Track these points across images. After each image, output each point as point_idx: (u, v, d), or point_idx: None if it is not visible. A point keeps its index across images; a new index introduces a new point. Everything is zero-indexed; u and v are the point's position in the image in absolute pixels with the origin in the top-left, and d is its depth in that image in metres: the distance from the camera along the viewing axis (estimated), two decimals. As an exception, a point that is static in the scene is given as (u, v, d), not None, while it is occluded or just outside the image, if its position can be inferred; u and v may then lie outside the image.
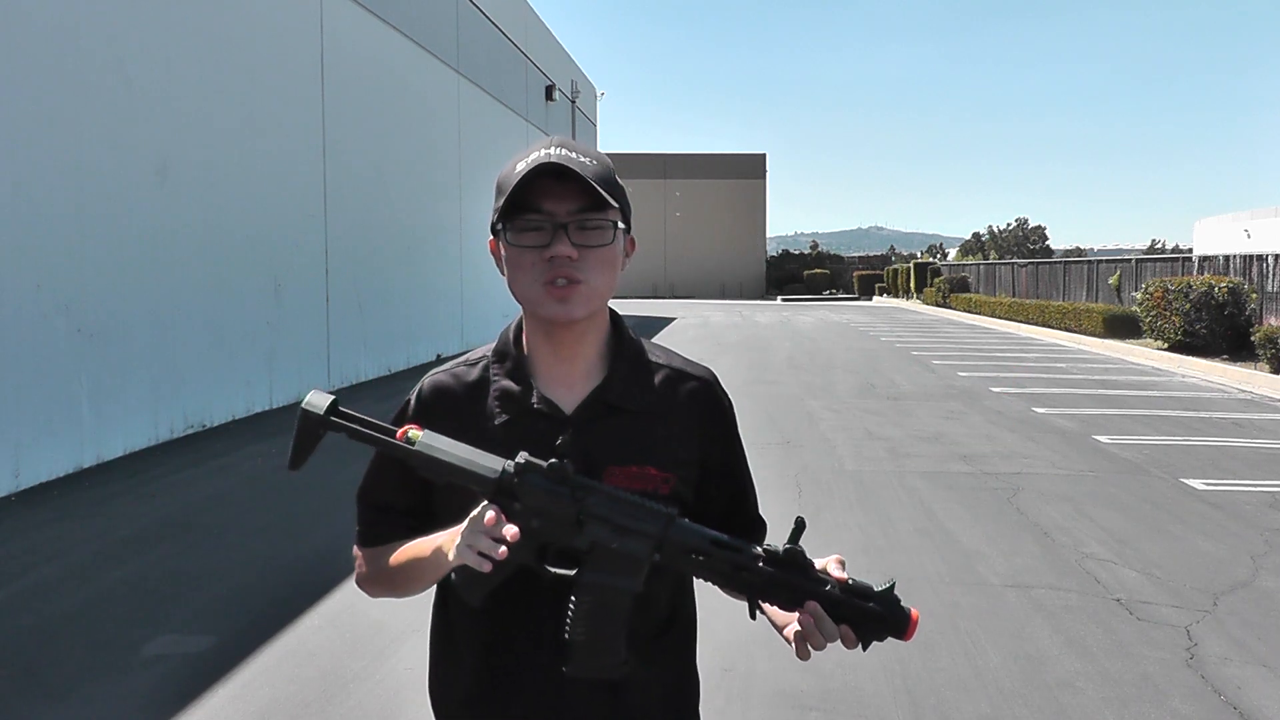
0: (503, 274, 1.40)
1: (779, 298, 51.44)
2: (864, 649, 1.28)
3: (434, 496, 1.43)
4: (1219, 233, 37.81)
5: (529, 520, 1.24)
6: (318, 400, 1.28)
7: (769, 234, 69.83)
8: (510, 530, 1.21)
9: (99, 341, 8.19)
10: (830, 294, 52.30)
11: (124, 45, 8.63)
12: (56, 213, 7.74)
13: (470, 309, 19.57)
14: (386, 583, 1.48)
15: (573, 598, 1.26)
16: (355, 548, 1.52)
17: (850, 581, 1.27)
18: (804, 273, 56.03)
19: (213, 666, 4.07)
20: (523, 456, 1.26)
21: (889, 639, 1.28)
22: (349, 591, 4.99)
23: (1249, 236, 34.55)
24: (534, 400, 1.39)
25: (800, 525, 1.28)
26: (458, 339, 18.72)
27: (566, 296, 1.34)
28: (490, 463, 1.26)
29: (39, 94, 7.56)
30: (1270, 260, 17.27)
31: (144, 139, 8.89)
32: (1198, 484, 7.45)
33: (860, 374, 15.16)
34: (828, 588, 1.26)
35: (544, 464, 1.25)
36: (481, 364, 1.45)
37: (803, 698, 3.78)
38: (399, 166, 15.72)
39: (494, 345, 1.47)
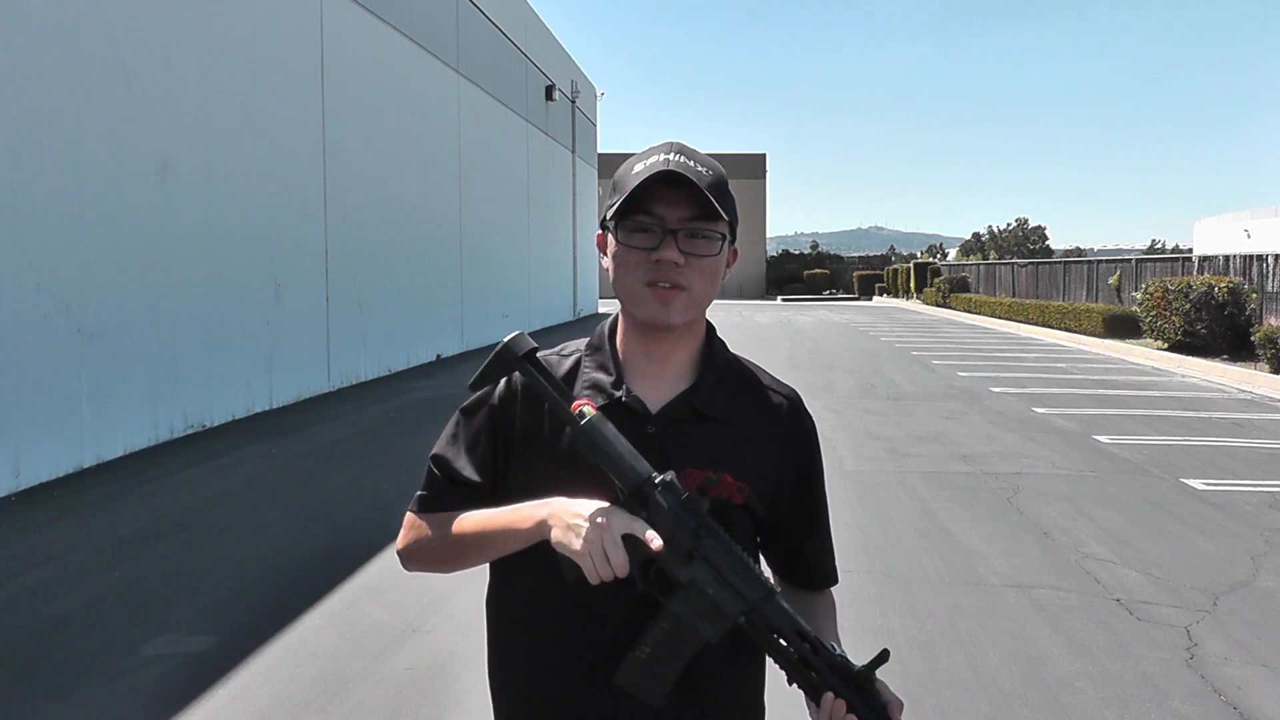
0: (605, 267, 1.44)
1: (779, 298, 51.44)
2: None
3: (509, 483, 1.45)
4: (1219, 233, 37.83)
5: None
6: (520, 343, 1.38)
7: (769, 234, 69.80)
8: (619, 561, 1.26)
9: (99, 341, 8.19)
10: (830, 294, 52.30)
11: (124, 45, 8.63)
12: (56, 213, 7.74)
13: (470, 309, 19.56)
14: (444, 551, 1.46)
15: (654, 620, 1.31)
16: (409, 514, 1.50)
17: None
18: (804, 273, 56.05)
19: (213, 666, 4.07)
20: (670, 475, 1.30)
21: None
22: (349, 591, 4.99)
23: (1249, 236, 34.57)
24: (621, 394, 1.42)
25: (884, 657, 1.32)
26: (458, 339, 18.71)
27: (668, 300, 1.37)
28: (640, 466, 1.31)
29: (39, 94, 7.56)
30: (1270, 260, 17.27)
31: (144, 139, 8.89)
32: (1198, 484, 7.45)
33: (860, 374, 15.16)
34: None
35: (685, 492, 1.30)
36: (574, 356, 1.49)
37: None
38: (399, 166, 15.72)
39: (589, 340, 1.51)
